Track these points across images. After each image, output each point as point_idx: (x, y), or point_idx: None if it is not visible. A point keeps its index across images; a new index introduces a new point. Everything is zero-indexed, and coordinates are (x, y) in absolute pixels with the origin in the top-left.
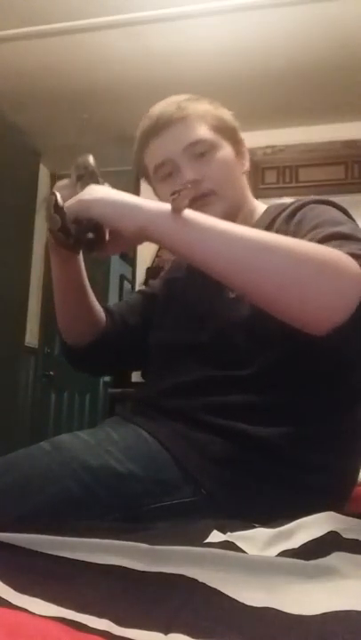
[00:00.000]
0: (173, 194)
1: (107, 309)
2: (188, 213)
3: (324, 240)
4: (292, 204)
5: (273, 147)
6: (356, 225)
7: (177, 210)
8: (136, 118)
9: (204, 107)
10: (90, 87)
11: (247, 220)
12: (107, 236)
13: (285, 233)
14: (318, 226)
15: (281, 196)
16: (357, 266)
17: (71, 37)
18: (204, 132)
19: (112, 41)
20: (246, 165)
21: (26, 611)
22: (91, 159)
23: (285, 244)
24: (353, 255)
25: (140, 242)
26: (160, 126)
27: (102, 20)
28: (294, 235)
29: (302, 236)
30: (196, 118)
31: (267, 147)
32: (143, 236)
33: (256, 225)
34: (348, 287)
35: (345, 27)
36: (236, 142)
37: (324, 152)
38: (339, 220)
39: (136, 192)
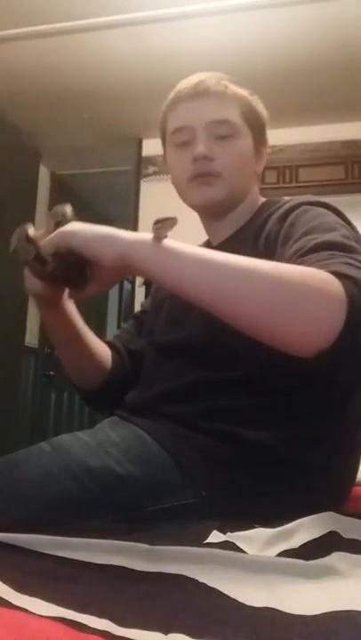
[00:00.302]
0: (156, 223)
1: (111, 345)
2: (169, 242)
3: (313, 250)
4: (286, 202)
5: (273, 147)
6: (350, 227)
7: (158, 238)
8: (136, 118)
9: (243, 92)
10: (90, 87)
11: (243, 216)
12: (88, 273)
13: (277, 234)
14: (309, 232)
15: (281, 196)
16: (340, 287)
17: (71, 37)
18: (233, 114)
19: (112, 41)
20: (260, 167)
21: (26, 611)
22: (68, 208)
23: (266, 270)
24: (337, 274)
25: (121, 274)
26: (195, 93)
27: (102, 20)
28: (286, 239)
29: (294, 242)
30: (232, 99)
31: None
32: (124, 266)
33: (251, 221)
34: (330, 311)
35: (345, 27)
36: (260, 140)
37: (325, 152)
38: (331, 225)
39: (136, 192)
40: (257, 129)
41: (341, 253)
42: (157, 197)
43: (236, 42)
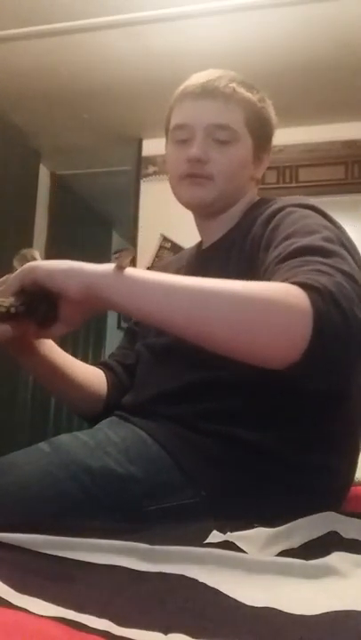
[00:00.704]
0: (115, 253)
1: (106, 365)
2: (132, 270)
3: (290, 256)
4: (273, 203)
5: (273, 146)
6: (335, 228)
7: (120, 267)
8: (136, 118)
9: (252, 97)
10: (90, 87)
11: (230, 220)
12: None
13: (261, 238)
14: (290, 236)
15: (281, 196)
16: (306, 299)
17: (71, 37)
18: (236, 120)
19: (112, 41)
20: (259, 173)
21: (26, 610)
22: (37, 253)
23: (230, 290)
24: (304, 285)
25: (88, 310)
26: (201, 92)
27: (102, 20)
28: (268, 243)
29: (274, 248)
30: (238, 103)
31: None
32: (89, 298)
33: (240, 222)
34: (296, 324)
35: (345, 27)
36: (262, 147)
37: (324, 152)
38: (312, 227)
39: (136, 192)
40: (260, 136)
41: (316, 259)
42: (157, 197)
43: (236, 42)
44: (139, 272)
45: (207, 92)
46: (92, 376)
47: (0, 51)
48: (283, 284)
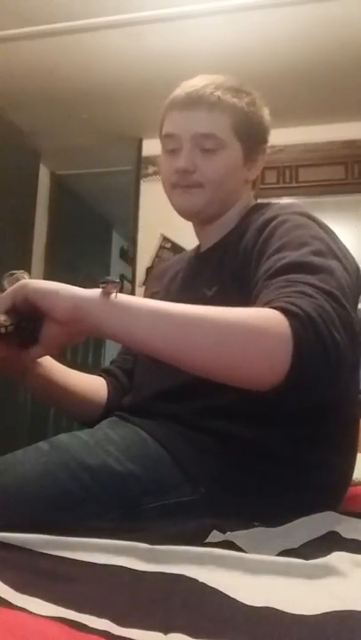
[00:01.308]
0: (103, 282)
1: (107, 371)
2: (119, 296)
3: (278, 273)
4: (267, 210)
5: (273, 147)
6: (328, 235)
7: (107, 294)
8: (136, 118)
9: (239, 103)
10: (90, 87)
11: (231, 222)
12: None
13: (253, 247)
14: (280, 249)
15: (281, 196)
16: (287, 326)
17: (71, 37)
18: (221, 127)
19: (112, 41)
20: (253, 175)
21: (26, 610)
22: (26, 274)
23: (212, 317)
24: (285, 311)
25: (69, 333)
26: (186, 102)
27: (102, 21)
28: (259, 255)
29: (265, 260)
30: (223, 111)
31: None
32: (76, 320)
33: (236, 227)
34: (276, 351)
35: (345, 27)
36: (253, 149)
37: (324, 152)
38: (303, 239)
39: (136, 192)
40: (249, 139)
41: (302, 277)
42: (157, 197)
43: (235, 42)
44: (125, 298)
45: (192, 102)
46: (91, 386)
47: (0, 51)
48: (264, 311)
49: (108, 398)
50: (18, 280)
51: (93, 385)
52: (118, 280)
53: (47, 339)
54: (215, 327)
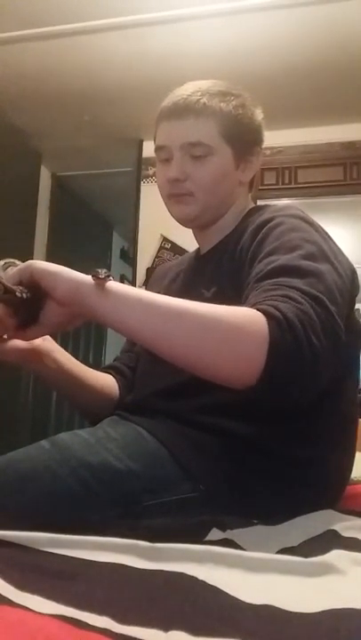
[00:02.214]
0: (93, 275)
1: (115, 369)
2: (113, 284)
3: (266, 276)
4: (264, 212)
5: (272, 148)
6: (323, 239)
7: (99, 284)
8: (136, 120)
9: (225, 107)
10: (90, 89)
11: (229, 224)
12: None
13: (248, 249)
14: (272, 252)
15: (280, 197)
16: (265, 327)
17: (72, 40)
18: (208, 134)
19: (113, 43)
20: (247, 176)
21: (26, 608)
22: (18, 262)
23: (193, 311)
24: (266, 313)
25: (67, 315)
26: (173, 113)
27: (103, 23)
28: (253, 257)
29: (257, 263)
30: (210, 117)
31: (265, 148)
32: (75, 302)
33: (234, 230)
34: (252, 351)
35: (344, 29)
36: (245, 151)
37: (323, 153)
38: (295, 243)
39: (137, 193)
40: (240, 142)
41: (290, 281)
42: (157, 198)
43: (235, 44)
44: (120, 287)
45: (178, 112)
46: (103, 381)
47: (1, 53)
48: (247, 311)
49: (120, 397)
50: (9, 266)
51: (106, 382)
52: (107, 272)
53: (47, 318)
54: (195, 321)
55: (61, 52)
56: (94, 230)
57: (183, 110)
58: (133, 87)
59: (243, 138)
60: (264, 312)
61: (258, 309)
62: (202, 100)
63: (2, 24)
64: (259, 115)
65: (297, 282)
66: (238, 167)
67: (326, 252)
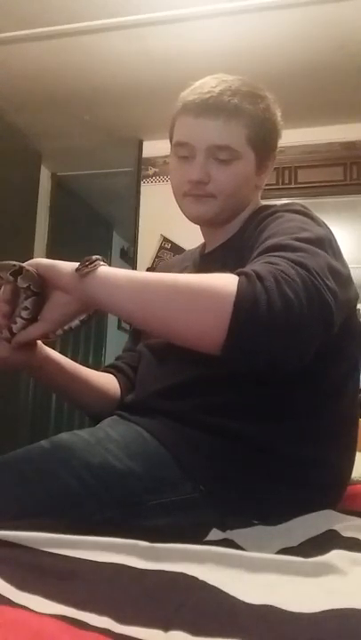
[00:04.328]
0: (77, 269)
1: (116, 368)
2: (103, 269)
3: (262, 253)
4: (270, 209)
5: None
6: (323, 230)
7: (82, 275)
8: (137, 120)
9: (255, 111)
10: (91, 89)
11: (235, 225)
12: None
13: (249, 239)
14: (271, 237)
15: (280, 197)
16: (234, 283)
17: (72, 40)
18: (237, 139)
19: (113, 43)
20: (264, 180)
21: (26, 608)
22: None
23: (173, 279)
24: (239, 273)
25: (70, 310)
26: (203, 108)
27: (103, 23)
28: (252, 246)
29: (256, 247)
30: (240, 120)
31: None
32: (76, 286)
33: (241, 229)
34: (219, 306)
35: (344, 29)
36: (266, 157)
37: (323, 153)
38: (292, 230)
39: (137, 193)
40: (263, 148)
41: (279, 253)
42: (158, 199)
43: (235, 44)
44: (111, 271)
45: (209, 110)
46: (104, 381)
47: (1, 53)
48: (223, 275)
49: (122, 396)
50: (8, 267)
51: (107, 381)
52: (96, 258)
53: (49, 312)
54: (171, 287)
55: (61, 52)
56: (94, 230)
57: (214, 109)
58: (133, 87)
59: (266, 143)
60: (237, 272)
61: (236, 273)
62: (233, 101)
63: (2, 24)
64: (280, 118)
65: (288, 254)
66: (257, 173)
67: (325, 242)
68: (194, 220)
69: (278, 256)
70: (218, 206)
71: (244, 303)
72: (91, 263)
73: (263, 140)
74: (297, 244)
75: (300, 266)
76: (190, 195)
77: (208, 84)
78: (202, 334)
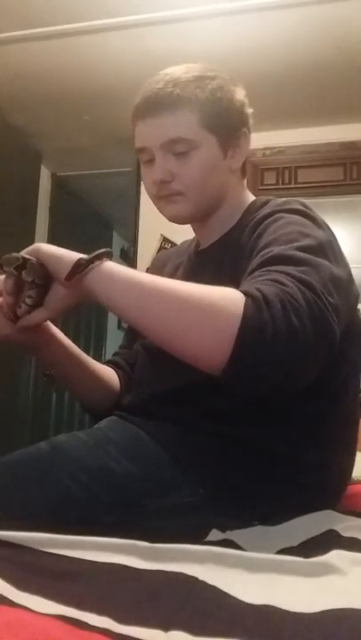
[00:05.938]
0: (73, 267)
1: (115, 363)
2: (112, 265)
3: (259, 266)
4: (265, 207)
5: (272, 148)
6: (326, 234)
7: (68, 277)
8: None
9: (202, 93)
10: (91, 89)
11: (228, 218)
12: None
13: (246, 244)
14: (269, 244)
15: (280, 197)
16: (241, 303)
17: (72, 40)
18: (187, 128)
19: (112, 43)
20: (238, 162)
21: (26, 608)
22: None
23: (175, 289)
24: (245, 293)
25: (71, 298)
26: (147, 110)
27: (103, 23)
28: (251, 251)
29: (255, 256)
30: (186, 108)
31: (266, 148)
32: (76, 282)
33: (236, 225)
34: (223, 328)
35: (344, 29)
36: (228, 137)
37: (323, 153)
38: (292, 236)
39: (136, 193)
40: (223, 128)
41: (282, 268)
42: None
43: (234, 44)
44: (116, 268)
45: (153, 108)
46: (105, 370)
47: (1, 53)
48: (227, 290)
49: (121, 392)
50: (12, 261)
51: (108, 373)
52: (103, 251)
53: (52, 301)
54: (175, 298)
55: (61, 52)
56: (94, 230)
57: (156, 106)
58: (133, 87)
59: (226, 123)
60: (244, 292)
61: (240, 290)
62: (175, 92)
63: (2, 24)
64: (240, 94)
65: (290, 269)
66: (226, 155)
67: (326, 247)
68: (173, 221)
69: (283, 272)
70: (191, 201)
71: (249, 330)
72: (88, 265)
73: (220, 120)
74: (300, 255)
75: (306, 286)
76: (161, 197)
77: (152, 83)
78: (201, 353)
